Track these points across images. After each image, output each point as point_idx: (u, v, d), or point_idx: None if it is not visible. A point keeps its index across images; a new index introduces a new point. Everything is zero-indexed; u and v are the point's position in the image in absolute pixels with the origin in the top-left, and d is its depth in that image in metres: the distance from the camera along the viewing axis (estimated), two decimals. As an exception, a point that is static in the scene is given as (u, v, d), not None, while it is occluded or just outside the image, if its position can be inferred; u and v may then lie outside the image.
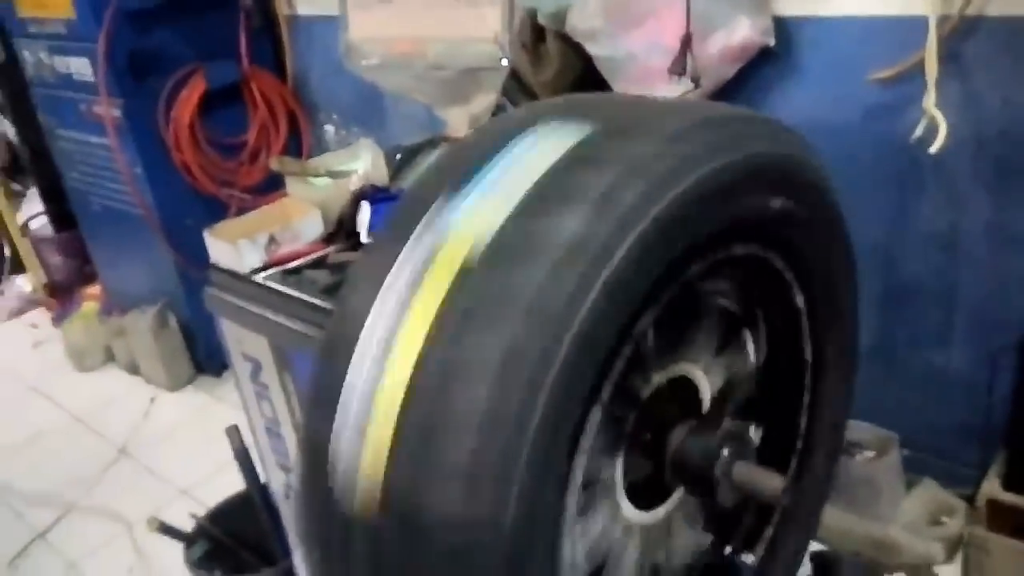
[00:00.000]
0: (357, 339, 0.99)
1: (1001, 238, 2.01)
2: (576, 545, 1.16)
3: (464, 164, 1.06)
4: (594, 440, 1.12)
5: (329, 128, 3.68)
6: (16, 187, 4.88)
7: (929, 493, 2.16)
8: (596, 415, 1.09)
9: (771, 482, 1.27)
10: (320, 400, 1.02)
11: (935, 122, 1.80)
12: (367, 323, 0.99)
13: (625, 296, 0.98)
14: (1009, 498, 1.94)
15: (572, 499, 1.10)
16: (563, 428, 0.97)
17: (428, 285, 0.97)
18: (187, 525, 2.31)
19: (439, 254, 0.98)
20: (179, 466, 3.14)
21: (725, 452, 1.27)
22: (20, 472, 3.26)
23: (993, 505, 1.97)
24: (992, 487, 1.98)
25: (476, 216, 0.99)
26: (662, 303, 1.15)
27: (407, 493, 0.92)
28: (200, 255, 2.15)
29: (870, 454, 2.21)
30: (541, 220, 0.96)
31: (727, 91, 2.23)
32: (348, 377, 0.99)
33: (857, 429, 2.22)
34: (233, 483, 2.24)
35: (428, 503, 0.91)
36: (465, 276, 0.95)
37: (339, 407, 0.98)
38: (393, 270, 1.00)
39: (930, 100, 1.80)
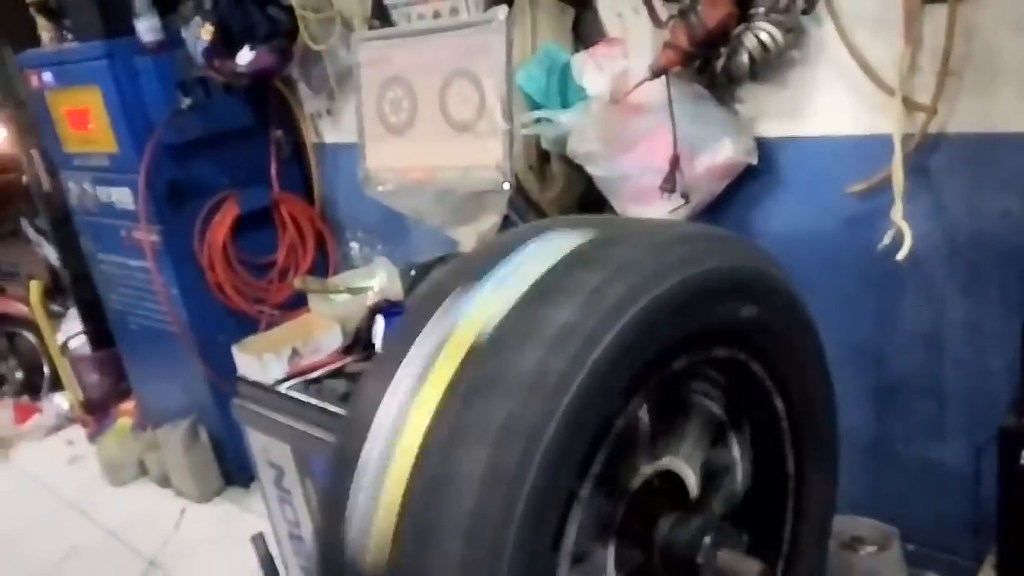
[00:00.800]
0: (376, 409, 1.14)
1: (978, 336, 2.11)
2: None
3: (478, 264, 1.25)
4: (583, 521, 1.23)
5: (354, 245, 3.82)
6: (56, 308, 5.07)
7: (933, 587, 2.19)
8: (587, 489, 1.23)
9: (751, 567, 1.36)
10: (339, 466, 1.17)
11: (901, 232, 1.92)
12: (386, 394, 1.15)
13: (611, 378, 1.13)
14: (1004, 590, 1.96)
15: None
16: (557, 490, 1.10)
17: (441, 363, 1.14)
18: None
19: (453, 336, 1.15)
20: (207, 576, 3.20)
21: (708, 540, 1.37)
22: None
23: (990, 598, 1.99)
24: (988, 579, 2.00)
25: (486, 305, 1.17)
26: (648, 393, 1.28)
27: (413, 552, 1.05)
28: (230, 370, 2.28)
29: (872, 549, 2.25)
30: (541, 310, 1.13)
31: (718, 205, 2.38)
32: (366, 443, 1.13)
33: (858, 524, 2.26)
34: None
35: (431, 560, 1.04)
36: (474, 355, 1.11)
37: (356, 471, 1.12)
38: (411, 351, 1.16)
39: (897, 211, 1.93)
